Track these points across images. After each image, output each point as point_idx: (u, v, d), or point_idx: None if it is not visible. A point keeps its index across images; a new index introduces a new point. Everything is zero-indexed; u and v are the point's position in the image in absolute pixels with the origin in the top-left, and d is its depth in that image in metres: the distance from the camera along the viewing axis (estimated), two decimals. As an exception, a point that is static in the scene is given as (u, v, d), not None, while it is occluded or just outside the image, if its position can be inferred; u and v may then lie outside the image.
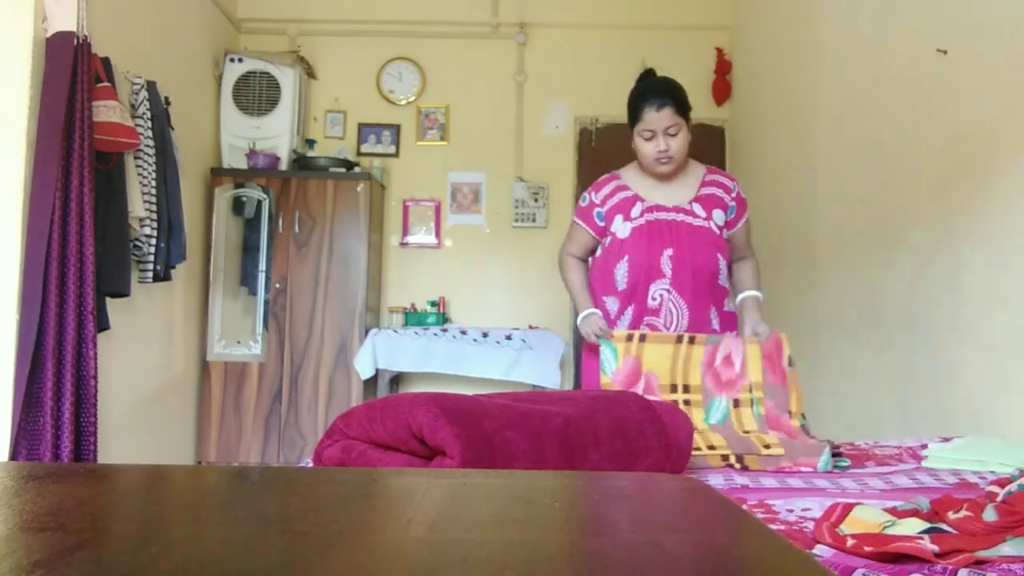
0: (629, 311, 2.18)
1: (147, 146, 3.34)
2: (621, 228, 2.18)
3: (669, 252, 2.13)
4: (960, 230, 2.35)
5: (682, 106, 2.11)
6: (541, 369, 4.26)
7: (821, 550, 0.94)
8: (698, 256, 2.14)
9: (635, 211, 2.18)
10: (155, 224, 3.41)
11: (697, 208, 2.18)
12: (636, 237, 2.15)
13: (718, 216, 2.21)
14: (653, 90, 2.12)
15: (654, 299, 2.14)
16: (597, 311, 2.19)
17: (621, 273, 2.17)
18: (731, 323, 2.25)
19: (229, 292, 4.37)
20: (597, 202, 2.25)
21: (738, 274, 2.30)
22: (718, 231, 2.19)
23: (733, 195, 2.25)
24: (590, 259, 2.33)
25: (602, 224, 2.24)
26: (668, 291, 2.13)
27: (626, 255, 2.17)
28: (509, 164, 4.91)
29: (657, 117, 2.07)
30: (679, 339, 2.00)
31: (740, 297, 2.26)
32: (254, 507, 0.64)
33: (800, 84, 3.71)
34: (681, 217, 2.16)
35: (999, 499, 1.09)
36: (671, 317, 2.13)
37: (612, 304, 2.21)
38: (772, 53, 4.17)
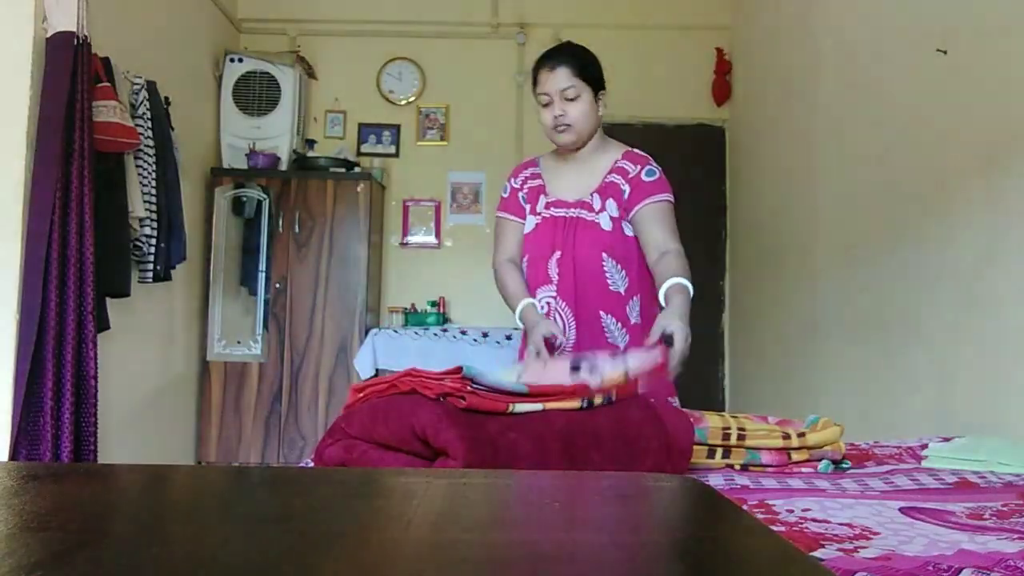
0: None
1: (147, 146, 3.34)
2: (529, 221, 1.93)
3: (557, 255, 1.84)
4: (960, 230, 2.35)
5: (584, 69, 1.81)
6: (541, 369, 4.25)
7: (821, 552, 0.94)
8: (580, 257, 1.82)
9: (540, 205, 1.92)
10: (155, 224, 3.41)
11: (596, 200, 1.86)
12: (532, 236, 1.91)
13: (612, 207, 1.84)
14: (550, 53, 1.86)
15: (542, 308, 1.83)
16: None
17: (526, 275, 1.91)
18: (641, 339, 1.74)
19: (229, 292, 4.37)
20: (517, 186, 1.99)
21: (657, 267, 1.76)
22: (610, 226, 1.83)
23: (631, 176, 1.84)
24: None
25: (527, 207, 1.95)
26: (554, 298, 1.84)
27: (526, 255, 1.92)
28: (509, 164, 4.87)
29: (551, 78, 1.80)
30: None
31: (662, 289, 1.67)
32: (254, 507, 0.64)
33: (800, 84, 3.71)
34: (577, 212, 1.86)
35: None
36: (558, 328, 1.79)
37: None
38: (772, 53, 4.17)
